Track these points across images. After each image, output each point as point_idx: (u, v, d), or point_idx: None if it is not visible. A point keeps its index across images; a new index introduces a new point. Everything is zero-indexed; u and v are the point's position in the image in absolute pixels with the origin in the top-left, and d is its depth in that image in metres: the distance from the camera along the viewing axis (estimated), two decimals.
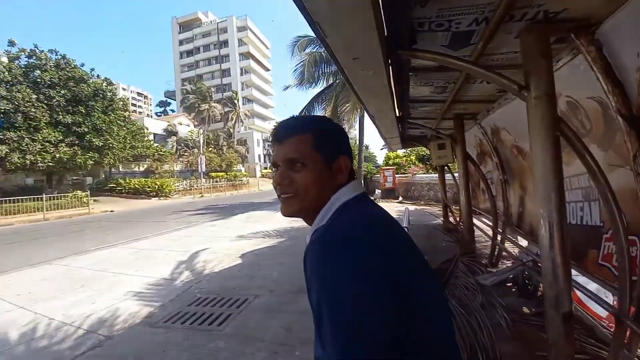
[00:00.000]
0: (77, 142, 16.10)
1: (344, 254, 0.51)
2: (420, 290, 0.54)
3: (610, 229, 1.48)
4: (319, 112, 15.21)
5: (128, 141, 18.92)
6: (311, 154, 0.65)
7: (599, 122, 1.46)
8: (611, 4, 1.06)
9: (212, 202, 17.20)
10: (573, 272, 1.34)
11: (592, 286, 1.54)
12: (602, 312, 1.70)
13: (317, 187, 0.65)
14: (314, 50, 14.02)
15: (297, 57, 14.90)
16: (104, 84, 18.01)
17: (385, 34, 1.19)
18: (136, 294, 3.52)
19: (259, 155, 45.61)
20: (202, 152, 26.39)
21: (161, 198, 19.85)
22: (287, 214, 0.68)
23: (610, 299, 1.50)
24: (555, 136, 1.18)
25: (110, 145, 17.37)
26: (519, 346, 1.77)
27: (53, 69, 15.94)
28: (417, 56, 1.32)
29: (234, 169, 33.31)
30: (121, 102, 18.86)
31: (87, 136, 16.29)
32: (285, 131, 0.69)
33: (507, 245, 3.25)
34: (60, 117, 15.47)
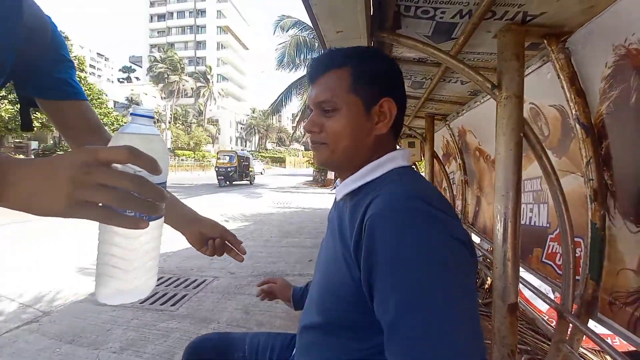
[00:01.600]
0: None
1: (444, 227, 0.42)
2: None
3: (555, 230, 1.61)
4: (295, 98, 14.96)
5: None
6: (346, 96, 0.55)
7: (556, 130, 1.56)
8: (585, 14, 1.11)
9: (176, 181, 16.37)
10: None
11: (535, 282, 1.68)
12: (543, 307, 1.87)
13: (350, 137, 0.55)
14: (297, 33, 13.65)
15: (279, 38, 14.42)
16: None
17: (372, 13, 1.15)
18: (81, 270, 3.25)
19: (231, 137, 44.03)
20: (167, 127, 24.83)
21: None
22: (318, 164, 0.60)
23: (551, 294, 1.64)
24: (519, 136, 1.23)
25: None
26: None
27: None
28: (400, 42, 1.30)
29: (203, 149, 31.90)
30: (77, 61, 16.95)
31: None
32: (318, 67, 0.57)
33: None
34: None
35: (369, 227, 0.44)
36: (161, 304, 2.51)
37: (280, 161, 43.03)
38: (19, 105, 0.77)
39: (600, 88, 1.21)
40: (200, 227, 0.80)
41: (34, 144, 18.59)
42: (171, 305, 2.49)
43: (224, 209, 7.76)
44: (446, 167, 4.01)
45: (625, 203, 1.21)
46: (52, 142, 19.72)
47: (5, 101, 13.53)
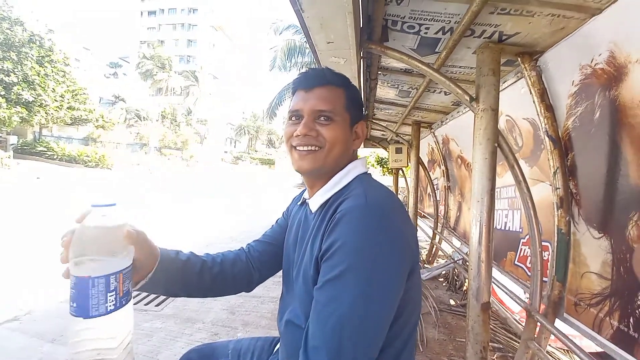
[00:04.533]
0: (2, 93, 13.71)
1: (392, 229, 0.51)
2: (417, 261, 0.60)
3: (527, 234, 1.72)
4: (289, 102, 15.01)
5: (66, 101, 16.64)
6: (342, 111, 0.62)
7: (529, 141, 1.67)
8: (555, 35, 1.22)
9: (162, 181, 16.04)
10: (493, 270, 1.53)
11: (508, 283, 1.78)
12: (515, 307, 1.98)
13: (342, 146, 0.62)
14: (290, 36, 13.73)
15: (269, 38, 14.50)
16: (42, 31, 15.54)
17: (361, 25, 1.22)
18: (62, 269, 3.16)
19: (219, 138, 43.51)
20: (155, 125, 24.34)
21: (103, 168, 18.00)
22: (308, 168, 0.62)
23: (522, 295, 1.74)
24: (493, 147, 1.33)
25: (43, 102, 15.10)
26: (443, 332, 1.98)
27: None
28: (387, 54, 1.37)
29: (190, 148, 31.40)
30: (62, 54, 16.44)
31: (16, 87, 13.95)
32: (316, 78, 0.63)
33: (443, 245, 3.57)
34: None
35: (337, 219, 0.52)
36: (145, 304, 2.48)
37: (269, 163, 42.83)
38: None
39: (567, 104, 1.32)
40: None
41: (13, 139, 17.77)
42: (155, 305, 2.46)
43: (210, 209, 7.70)
44: (431, 173, 4.13)
45: (588, 210, 1.31)
46: (32, 136, 18.94)
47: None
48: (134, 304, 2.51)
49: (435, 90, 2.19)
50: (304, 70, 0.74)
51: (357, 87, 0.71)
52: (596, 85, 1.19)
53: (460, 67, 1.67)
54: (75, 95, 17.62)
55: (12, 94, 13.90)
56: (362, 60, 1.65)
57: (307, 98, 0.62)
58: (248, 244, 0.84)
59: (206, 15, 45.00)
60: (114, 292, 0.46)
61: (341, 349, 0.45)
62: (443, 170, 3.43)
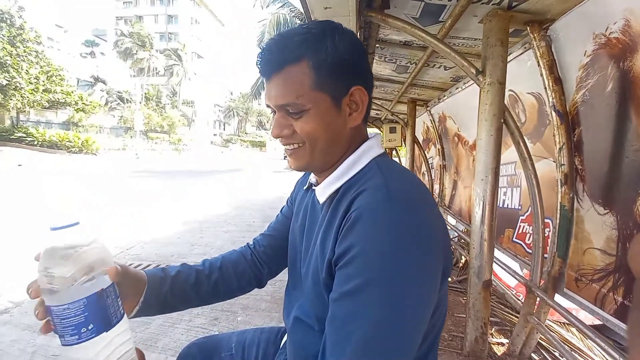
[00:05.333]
0: None
1: (421, 229, 0.43)
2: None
3: (526, 211, 1.71)
4: None
5: (41, 83, 15.72)
6: (311, 94, 0.48)
7: (532, 117, 1.63)
8: (568, 1, 1.13)
9: (149, 165, 15.69)
10: None
11: (505, 260, 1.79)
12: (512, 282, 2.02)
13: (326, 135, 0.50)
14: (278, 10, 13.08)
15: (256, 14, 13.83)
16: (12, 8, 14.39)
17: None
18: None
19: (208, 120, 42.35)
20: (139, 107, 23.42)
21: (88, 154, 17.43)
22: (297, 166, 0.54)
23: (519, 271, 1.76)
24: (499, 123, 1.27)
25: (18, 85, 14.26)
26: None
27: None
28: (388, 22, 1.27)
29: (177, 131, 30.52)
30: (34, 33, 15.32)
31: None
32: (269, 64, 0.49)
33: None
34: None
35: (353, 219, 0.44)
36: None
37: (260, 145, 42.17)
38: None
39: (578, 76, 1.25)
40: None
41: None
42: None
43: (202, 193, 7.58)
44: (426, 152, 4.10)
45: (594, 187, 1.29)
46: (9, 122, 17.95)
47: None
48: None
49: (435, 65, 2.09)
50: None
51: (340, 33, 0.50)
52: (610, 55, 1.13)
53: (463, 38, 1.57)
54: (51, 76, 16.62)
55: None
56: (360, 30, 1.54)
57: (269, 90, 0.51)
58: (254, 238, 0.79)
59: None
60: (120, 297, 0.47)
61: None
62: (439, 149, 3.40)
